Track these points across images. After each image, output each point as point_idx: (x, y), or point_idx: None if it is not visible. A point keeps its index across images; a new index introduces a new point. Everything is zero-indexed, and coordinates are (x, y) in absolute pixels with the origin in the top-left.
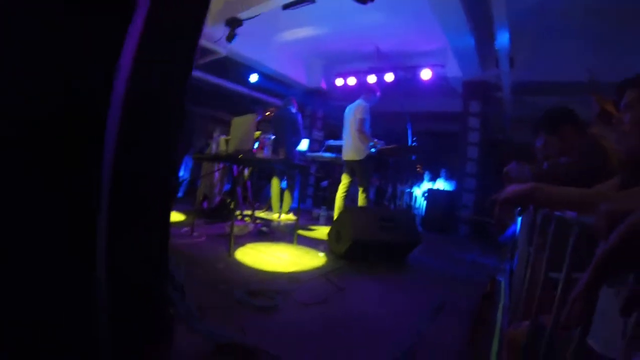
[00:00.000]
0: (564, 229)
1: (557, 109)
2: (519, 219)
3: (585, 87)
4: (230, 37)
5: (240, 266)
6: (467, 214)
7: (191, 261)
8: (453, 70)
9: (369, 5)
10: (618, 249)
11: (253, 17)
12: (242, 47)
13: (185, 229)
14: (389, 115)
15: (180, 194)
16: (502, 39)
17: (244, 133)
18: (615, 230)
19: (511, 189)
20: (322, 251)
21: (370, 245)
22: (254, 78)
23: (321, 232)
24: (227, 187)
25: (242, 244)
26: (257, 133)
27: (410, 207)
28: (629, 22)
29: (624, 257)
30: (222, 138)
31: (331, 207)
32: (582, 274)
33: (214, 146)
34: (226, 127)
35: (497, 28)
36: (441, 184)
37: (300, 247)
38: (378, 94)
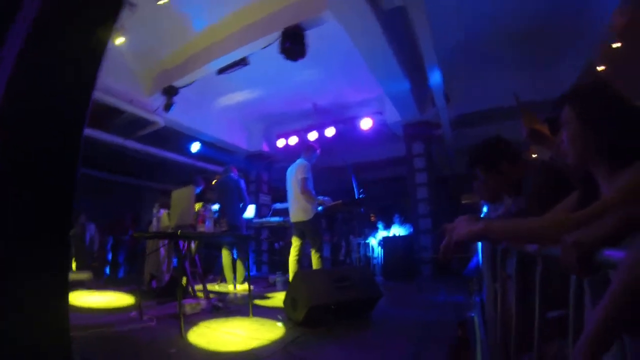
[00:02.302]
0: (530, 262)
1: (489, 144)
2: (480, 249)
3: (514, 110)
4: (168, 107)
5: (195, 349)
6: (427, 254)
7: (140, 349)
8: (392, 115)
9: (302, 62)
10: (617, 317)
11: (189, 85)
12: (180, 115)
13: (134, 312)
14: (335, 170)
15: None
16: (435, 77)
17: (184, 206)
18: (608, 297)
19: (462, 229)
20: (281, 320)
21: (329, 308)
22: (195, 147)
23: (279, 298)
24: (175, 263)
25: (195, 323)
26: (198, 205)
27: (368, 259)
28: (541, 40)
29: (623, 324)
30: (165, 213)
31: (287, 271)
32: (555, 310)
33: (154, 222)
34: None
35: (428, 68)
36: (397, 230)
37: (257, 318)
38: (318, 151)
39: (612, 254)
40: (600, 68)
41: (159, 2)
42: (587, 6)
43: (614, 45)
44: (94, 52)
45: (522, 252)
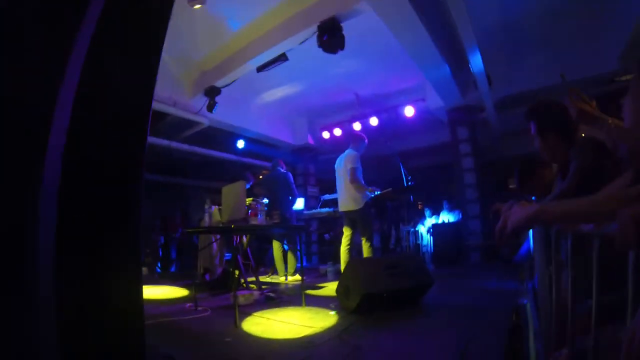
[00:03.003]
0: (583, 244)
1: (546, 106)
2: (531, 233)
3: (560, 89)
4: (211, 107)
5: (249, 338)
6: (475, 240)
7: (197, 338)
8: (435, 101)
9: (341, 53)
10: None
11: (230, 84)
12: (224, 114)
13: (189, 304)
14: (380, 159)
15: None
16: (476, 60)
17: (235, 201)
18: None
19: (515, 215)
20: (333, 309)
21: (381, 295)
22: (240, 144)
23: (330, 288)
24: (227, 256)
25: (249, 314)
26: (249, 199)
27: (418, 247)
28: (582, 15)
29: None
30: (216, 208)
31: (337, 261)
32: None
33: (206, 218)
34: (219, 197)
35: (468, 51)
36: (445, 217)
37: (310, 308)
38: (366, 140)
39: None
40: None
41: (194, 7)
42: None
43: None
44: (153, 55)
45: (577, 233)
